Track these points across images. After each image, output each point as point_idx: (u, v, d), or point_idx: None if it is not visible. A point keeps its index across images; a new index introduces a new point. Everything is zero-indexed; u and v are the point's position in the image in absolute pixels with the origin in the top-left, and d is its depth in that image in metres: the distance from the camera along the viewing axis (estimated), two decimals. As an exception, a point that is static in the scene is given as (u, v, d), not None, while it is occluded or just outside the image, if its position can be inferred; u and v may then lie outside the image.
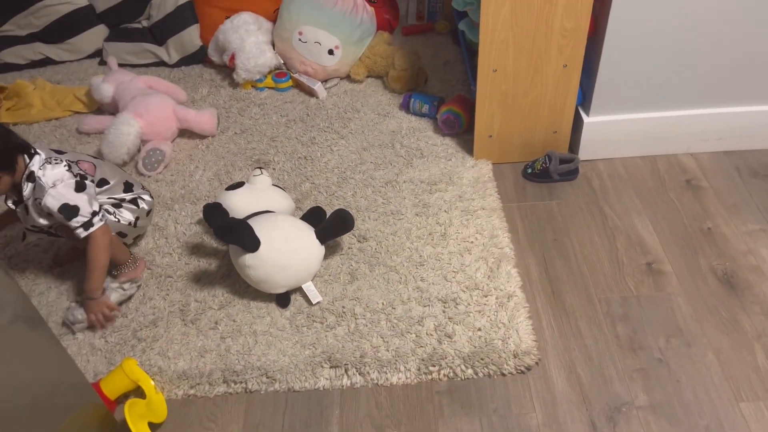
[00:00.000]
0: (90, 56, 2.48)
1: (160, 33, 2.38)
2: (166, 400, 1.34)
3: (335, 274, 1.58)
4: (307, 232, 1.51)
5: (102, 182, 1.51)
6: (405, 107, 2.10)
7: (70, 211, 1.38)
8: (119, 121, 1.89)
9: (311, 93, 2.20)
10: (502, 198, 1.77)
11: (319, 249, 1.52)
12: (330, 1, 2.12)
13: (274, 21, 2.28)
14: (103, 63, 2.43)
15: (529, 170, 1.83)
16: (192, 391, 1.37)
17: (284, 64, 2.24)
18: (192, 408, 1.34)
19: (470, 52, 2.05)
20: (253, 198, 1.60)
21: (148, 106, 1.95)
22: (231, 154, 1.98)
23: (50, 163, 1.39)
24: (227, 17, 2.28)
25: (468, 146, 1.92)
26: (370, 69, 2.24)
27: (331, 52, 2.16)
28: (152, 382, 1.35)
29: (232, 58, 2.20)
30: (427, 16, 2.52)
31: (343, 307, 1.50)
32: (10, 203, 1.45)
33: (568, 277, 1.55)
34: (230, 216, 1.57)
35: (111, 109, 2.10)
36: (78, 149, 2.04)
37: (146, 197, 1.62)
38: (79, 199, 1.39)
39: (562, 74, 1.70)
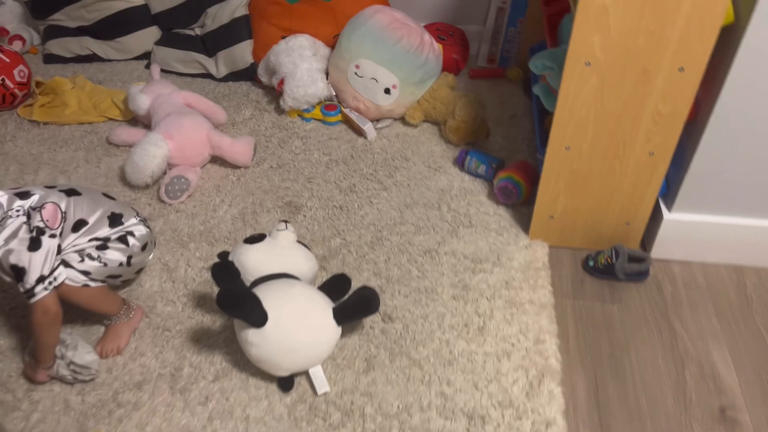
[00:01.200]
0: (138, 57, 2.36)
1: (212, 44, 2.23)
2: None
3: (350, 359, 1.38)
4: (324, 310, 1.30)
5: (79, 224, 1.32)
6: (460, 163, 1.88)
7: (18, 272, 1.21)
8: (147, 140, 1.74)
9: (360, 132, 2.00)
10: (555, 290, 1.53)
11: (335, 331, 1.31)
12: (394, 36, 1.92)
13: (332, 47, 2.10)
14: (149, 66, 2.30)
15: (591, 263, 1.58)
16: (163, 482, 1.19)
17: (336, 96, 2.05)
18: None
19: (542, 114, 1.82)
20: (272, 256, 1.41)
21: (181, 127, 1.79)
22: (262, 191, 1.80)
23: (9, 217, 1.22)
24: (283, 37, 2.11)
25: (524, 221, 1.69)
26: (428, 114, 2.03)
27: (387, 90, 1.96)
28: (121, 463, 1.17)
29: (281, 82, 2.03)
30: (500, 61, 2.29)
31: (353, 403, 1.29)
32: None
33: (621, 408, 1.30)
34: (241, 275, 1.39)
35: (146, 121, 1.96)
36: (105, 160, 1.90)
37: (138, 230, 1.41)
38: (29, 261, 1.21)
39: (647, 162, 1.45)
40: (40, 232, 1.23)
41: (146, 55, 2.34)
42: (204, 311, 1.47)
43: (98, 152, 1.94)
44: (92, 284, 1.33)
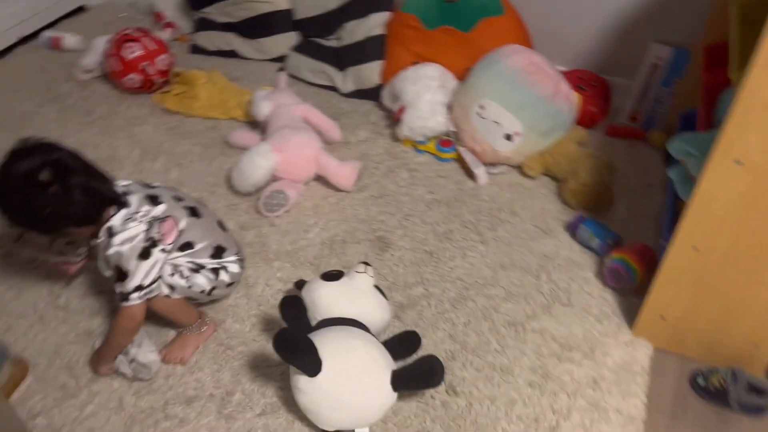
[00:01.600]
0: (274, 59, 2.40)
1: (344, 58, 2.21)
2: None
3: (402, 426, 1.28)
4: (383, 372, 1.22)
5: (186, 245, 1.34)
6: (572, 230, 1.71)
7: (119, 275, 1.25)
8: (257, 150, 1.74)
9: (471, 175, 1.89)
10: (650, 404, 1.33)
11: (390, 396, 1.22)
12: (527, 81, 1.78)
13: (461, 80, 2.00)
14: (281, 70, 2.33)
15: (702, 381, 1.36)
16: None
17: (454, 132, 1.95)
18: None
19: (678, 196, 1.61)
20: (345, 298, 1.34)
21: (292, 142, 1.78)
22: (357, 219, 1.75)
23: (134, 219, 1.26)
24: (414, 63, 2.04)
25: (630, 313, 1.49)
26: (548, 168, 1.87)
27: (509, 137, 1.83)
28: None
29: (401, 110, 1.96)
30: (644, 121, 2.06)
31: (393, 478, 1.20)
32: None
33: None
34: (310, 311, 1.34)
35: (264, 126, 1.97)
36: (218, 159, 1.94)
37: (232, 268, 1.42)
38: (135, 268, 1.24)
39: (793, 285, 1.22)
40: (153, 244, 1.27)
41: (282, 58, 2.38)
42: (268, 336, 1.44)
43: (214, 150, 1.99)
44: (174, 296, 1.34)
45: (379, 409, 1.23)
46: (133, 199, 1.29)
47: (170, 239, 1.31)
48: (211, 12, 2.44)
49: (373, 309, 1.36)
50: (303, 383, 1.19)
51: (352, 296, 1.35)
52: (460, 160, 1.94)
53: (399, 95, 1.99)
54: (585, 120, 2.03)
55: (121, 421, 1.28)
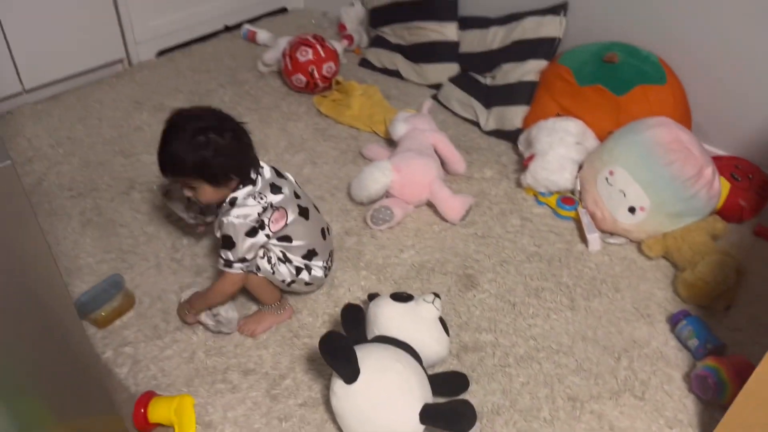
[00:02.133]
0: (431, 86, 2.50)
1: (492, 97, 2.25)
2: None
3: (423, 460, 1.29)
4: (414, 399, 1.24)
5: (284, 238, 1.47)
6: (672, 323, 1.58)
7: (227, 243, 1.39)
8: (378, 165, 1.85)
9: (584, 238, 1.83)
10: None
11: (414, 426, 1.24)
12: (666, 158, 1.68)
13: (602, 141, 1.93)
14: (434, 97, 2.43)
15: None
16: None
17: (579, 192, 1.90)
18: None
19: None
20: (405, 321, 1.39)
21: (411, 165, 1.86)
22: (452, 252, 1.78)
23: (254, 198, 1.41)
24: (558, 115, 2.02)
25: (708, 428, 1.35)
26: (669, 253, 1.75)
27: (632, 210, 1.74)
28: (193, 432, 1.31)
29: (531, 158, 1.95)
30: (803, 229, 1.84)
31: (396, 505, 1.22)
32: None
33: None
34: (370, 324, 1.40)
35: (396, 146, 2.08)
36: (348, 166, 2.07)
37: (316, 273, 1.53)
38: (241, 242, 1.38)
39: None
40: (261, 226, 1.42)
41: (438, 86, 2.47)
42: (334, 338, 1.53)
43: (348, 157, 2.13)
44: (259, 275, 1.49)
45: (402, 436, 1.26)
46: (260, 181, 1.44)
47: (276, 228, 1.45)
48: (387, 32, 2.61)
49: (429, 340, 1.39)
50: (338, 387, 1.26)
51: (412, 322, 1.39)
52: (578, 221, 1.88)
53: (533, 143, 1.98)
54: (732, 213, 1.85)
55: (188, 371, 1.44)
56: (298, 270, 1.51)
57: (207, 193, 1.41)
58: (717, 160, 1.93)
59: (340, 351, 1.24)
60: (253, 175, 1.44)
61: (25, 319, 0.97)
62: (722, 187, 1.83)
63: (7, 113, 2.22)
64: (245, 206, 1.41)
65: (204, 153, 1.35)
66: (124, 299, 1.56)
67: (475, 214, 1.91)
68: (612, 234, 1.84)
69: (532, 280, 1.71)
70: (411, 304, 1.42)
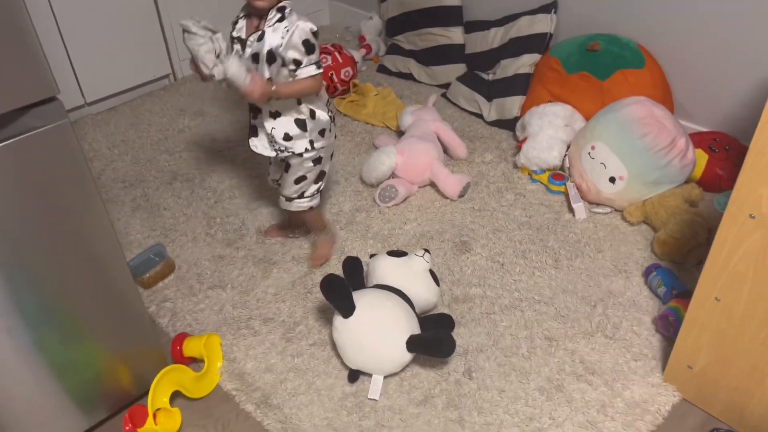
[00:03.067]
0: (440, 85, 2.74)
1: (493, 90, 2.47)
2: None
3: (413, 386, 1.50)
4: (401, 332, 1.46)
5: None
6: (645, 275, 1.75)
7: (310, 47, 1.46)
8: (383, 150, 2.09)
9: (572, 209, 2.01)
10: (652, 444, 1.37)
11: (402, 354, 1.46)
12: (640, 131, 1.86)
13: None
14: (444, 97, 2.66)
15: (713, 439, 1.35)
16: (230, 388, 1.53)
17: (568, 168, 2.09)
18: (217, 405, 1.51)
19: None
20: (398, 272, 1.61)
21: (413, 148, 2.09)
22: (450, 224, 1.99)
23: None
24: (549, 101, 2.22)
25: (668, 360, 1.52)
26: (648, 217, 1.91)
27: (612, 180, 1.92)
28: (220, 365, 1.56)
29: (524, 140, 2.16)
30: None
31: (389, 420, 1.43)
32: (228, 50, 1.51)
33: None
34: (369, 275, 1.63)
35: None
36: (362, 156, 2.30)
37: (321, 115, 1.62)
38: (316, 44, 1.48)
39: (812, 357, 1.19)
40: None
41: (447, 85, 2.71)
42: (342, 293, 1.76)
43: (363, 148, 2.38)
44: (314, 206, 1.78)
45: (392, 362, 1.47)
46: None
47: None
48: (401, 39, 2.87)
49: (419, 288, 1.61)
50: (337, 322, 1.49)
51: (405, 273, 1.62)
52: (567, 195, 2.06)
53: (526, 127, 2.19)
54: (711, 182, 2.01)
55: (217, 320, 1.70)
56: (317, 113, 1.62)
57: None
58: (697, 135, 2.10)
59: (337, 289, 1.48)
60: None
61: (89, 277, 1.26)
62: (699, 158, 2.00)
63: (72, 123, 2.57)
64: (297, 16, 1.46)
65: None
66: (165, 265, 1.84)
67: (473, 192, 2.12)
68: (598, 204, 2.02)
69: (521, 244, 1.91)
70: (405, 258, 1.65)
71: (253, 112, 1.64)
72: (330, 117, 1.66)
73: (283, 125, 1.60)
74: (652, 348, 1.57)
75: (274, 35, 1.47)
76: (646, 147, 1.86)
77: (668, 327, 1.56)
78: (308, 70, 1.51)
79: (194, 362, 1.60)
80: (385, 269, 1.63)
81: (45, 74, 1.05)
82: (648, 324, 1.64)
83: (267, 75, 1.51)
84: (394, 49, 2.90)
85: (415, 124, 2.26)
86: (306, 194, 1.73)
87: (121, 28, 2.54)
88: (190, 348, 1.57)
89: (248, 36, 1.51)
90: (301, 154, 1.63)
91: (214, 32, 1.48)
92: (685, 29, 2.09)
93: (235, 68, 1.45)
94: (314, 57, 1.51)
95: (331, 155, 1.75)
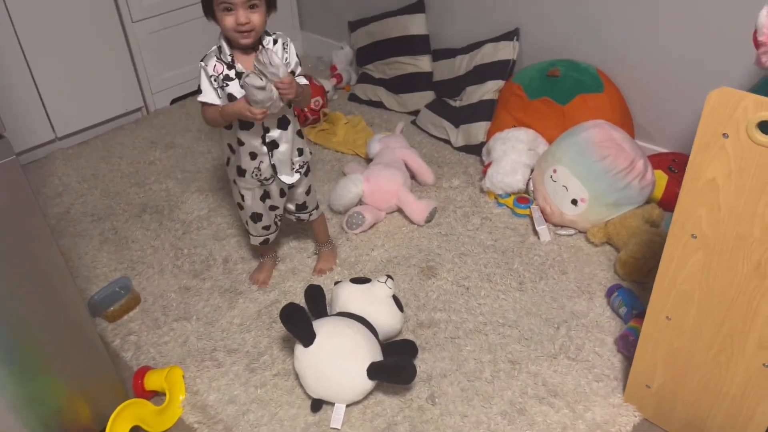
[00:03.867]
0: (410, 113, 2.78)
1: (459, 116, 2.50)
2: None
3: (376, 414, 1.50)
4: (362, 359, 1.46)
5: None
6: (607, 296, 1.77)
7: (298, 59, 1.59)
8: (350, 178, 2.11)
9: (537, 232, 2.03)
10: (613, 465, 1.37)
11: (364, 382, 1.46)
12: (599, 153, 1.90)
13: (553, 147, 2.16)
14: (414, 124, 2.69)
15: (672, 457, 1.36)
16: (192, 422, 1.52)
17: (533, 191, 2.12)
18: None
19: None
20: (361, 299, 1.62)
21: (379, 176, 2.12)
22: (417, 249, 2.01)
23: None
24: (513, 126, 2.26)
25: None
26: (610, 238, 1.94)
27: (575, 202, 1.95)
28: (182, 398, 1.55)
29: (488, 165, 2.19)
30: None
31: (349, 450, 1.43)
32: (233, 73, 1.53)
33: None
34: (333, 303, 1.64)
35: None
36: (330, 183, 2.32)
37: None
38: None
39: (760, 374, 1.20)
40: None
41: (416, 112, 2.75)
42: (307, 321, 1.76)
43: (332, 176, 2.40)
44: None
45: (353, 391, 1.47)
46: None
47: None
48: (371, 68, 2.91)
49: (381, 315, 1.61)
50: (298, 351, 1.49)
51: (367, 300, 1.62)
52: (531, 218, 2.09)
53: (491, 152, 2.23)
54: (671, 202, 2.03)
55: (182, 352, 1.70)
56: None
57: (263, 16, 1.47)
58: (656, 156, 2.14)
59: (296, 319, 1.48)
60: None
61: (44, 313, 1.26)
62: (659, 178, 2.03)
63: (43, 158, 2.58)
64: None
65: None
66: (130, 298, 1.83)
67: (440, 217, 2.14)
68: (562, 226, 2.05)
69: (486, 268, 1.92)
70: (367, 285, 1.66)
71: (271, 150, 1.64)
72: None
73: (294, 143, 1.67)
74: (613, 368, 1.58)
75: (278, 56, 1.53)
76: (605, 169, 1.90)
77: (629, 347, 1.57)
78: (302, 78, 1.58)
79: (157, 396, 1.59)
80: (347, 296, 1.63)
81: (-10, 113, 1.06)
82: (610, 344, 1.65)
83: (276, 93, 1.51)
84: (364, 78, 2.94)
85: (382, 151, 2.29)
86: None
87: (91, 63, 2.57)
88: (151, 381, 1.56)
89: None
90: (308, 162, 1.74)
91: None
92: (641, 54, 2.15)
93: (277, 59, 1.43)
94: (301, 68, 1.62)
95: None
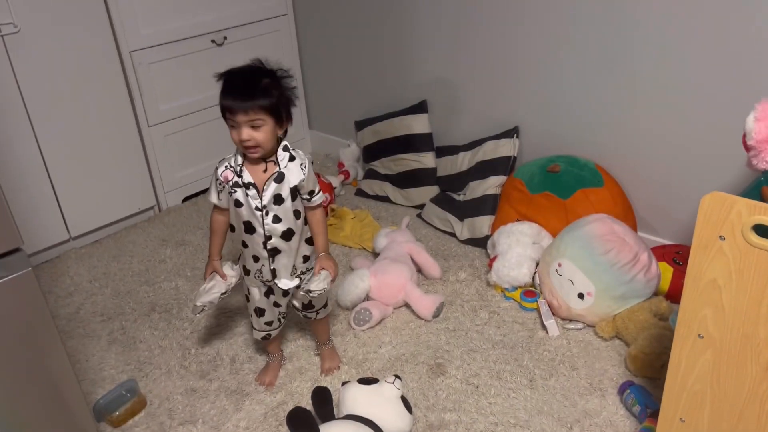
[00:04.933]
0: (416, 206, 2.84)
1: (464, 210, 2.56)
2: None
3: None
4: (371, 467, 1.43)
5: None
6: (620, 393, 1.74)
7: (315, 182, 1.64)
8: (357, 273, 2.14)
9: (545, 326, 2.02)
10: None
11: (372, 490, 1.42)
12: (603, 247, 1.92)
13: (557, 240, 2.19)
14: (419, 217, 2.75)
15: None
16: None
17: (539, 285, 2.13)
18: None
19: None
20: (369, 401, 1.60)
21: (386, 271, 2.14)
22: (425, 345, 1.99)
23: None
24: (517, 220, 2.30)
25: (649, 485, 1.47)
26: (620, 332, 1.93)
27: (581, 296, 1.96)
28: None
29: (494, 258, 2.21)
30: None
31: None
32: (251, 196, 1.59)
33: None
34: (339, 405, 1.62)
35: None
36: (340, 277, 2.35)
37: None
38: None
39: (781, 479, 1.16)
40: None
41: (421, 206, 2.81)
42: (314, 424, 1.73)
43: (340, 270, 2.38)
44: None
45: (361, 500, 1.43)
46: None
47: None
48: (377, 165, 3.01)
49: (390, 417, 1.59)
50: (304, 456, 1.46)
51: (375, 402, 1.60)
52: (539, 311, 2.08)
53: (496, 246, 2.25)
54: (678, 294, 2.01)
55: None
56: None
57: (268, 133, 1.50)
58: (660, 248, 2.16)
59: (303, 423, 1.46)
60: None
61: (47, 419, 1.26)
62: (665, 271, 2.04)
63: (56, 257, 2.63)
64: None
65: (281, 88, 1.52)
66: (136, 401, 1.81)
67: (448, 311, 2.14)
68: (570, 320, 2.04)
69: (495, 364, 1.90)
70: (375, 385, 1.64)
71: (272, 257, 1.68)
72: None
73: (300, 251, 1.72)
74: (630, 472, 1.53)
75: (293, 173, 1.59)
76: (610, 263, 1.91)
77: (645, 449, 1.53)
78: (320, 197, 1.67)
79: (160, 506, 1.54)
80: (355, 398, 1.61)
81: (10, 227, 1.10)
82: (625, 446, 1.61)
83: (292, 208, 1.62)
84: (370, 174, 3.03)
85: (389, 246, 2.32)
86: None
87: (106, 163, 2.67)
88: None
89: (265, 180, 1.57)
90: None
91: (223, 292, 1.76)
92: (640, 149, 2.22)
93: (322, 285, 1.69)
94: (319, 193, 1.68)
95: None
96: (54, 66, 2.41)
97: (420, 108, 2.81)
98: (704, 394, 1.22)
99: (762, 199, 1.33)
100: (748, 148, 1.30)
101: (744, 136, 1.30)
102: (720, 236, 1.08)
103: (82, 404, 1.31)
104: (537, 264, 2.17)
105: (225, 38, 2.91)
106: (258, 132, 1.50)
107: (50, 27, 2.36)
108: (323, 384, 1.71)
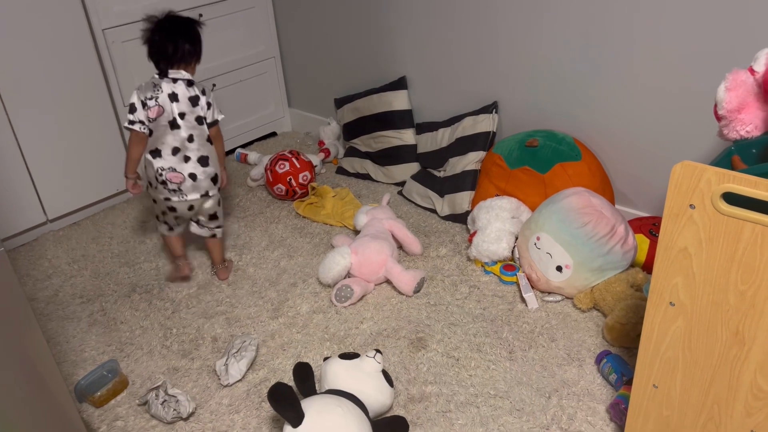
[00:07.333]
0: (396, 183, 2.84)
1: (444, 186, 2.56)
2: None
3: (368, 496, 1.47)
4: (353, 438, 1.45)
5: None
6: (597, 363, 1.77)
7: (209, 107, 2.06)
8: (338, 250, 2.14)
9: (524, 299, 2.05)
10: None
11: (354, 462, 1.44)
12: (580, 220, 1.94)
13: (536, 214, 2.21)
14: (400, 194, 2.75)
15: None
16: None
17: (518, 258, 2.15)
18: None
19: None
20: (350, 375, 1.61)
21: (367, 247, 2.14)
22: (406, 320, 2.01)
23: None
24: (496, 195, 2.31)
25: (625, 451, 1.51)
26: (597, 303, 1.96)
27: (559, 268, 1.98)
28: None
29: (474, 234, 2.22)
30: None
31: None
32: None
33: None
34: (321, 380, 1.63)
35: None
36: (320, 257, 2.35)
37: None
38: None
39: (750, 441, 1.19)
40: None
41: (402, 183, 2.81)
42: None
43: (320, 249, 2.43)
44: None
45: (344, 471, 1.44)
46: None
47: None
48: (357, 143, 3.00)
49: (371, 390, 1.60)
50: (286, 430, 1.47)
51: (356, 376, 1.62)
52: (518, 285, 2.11)
53: (476, 221, 2.27)
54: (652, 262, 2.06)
55: None
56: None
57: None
58: (637, 220, 2.19)
59: (284, 398, 1.47)
60: None
61: (26, 402, 1.25)
62: (641, 242, 2.07)
63: (34, 240, 2.60)
64: None
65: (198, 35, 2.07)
66: (118, 381, 1.81)
67: (429, 287, 2.16)
68: (549, 293, 2.07)
69: (475, 338, 1.92)
70: (356, 360, 1.65)
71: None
72: None
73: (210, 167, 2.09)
74: (606, 438, 1.57)
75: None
76: (587, 235, 1.94)
77: (620, 415, 1.56)
78: (215, 115, 2.10)
79: (143, 484, 1.55)
80: (336, 373, 1.62)
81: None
82: (602, 413, 1.64)
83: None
84: (351, 152, 3.02)
85: (369, 223, 2.32)
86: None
87: (82, 144, 2.63)
88: None
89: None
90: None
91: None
92: (617, 121, 2.23)
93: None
94: (216, 111, 2.12)
95: None
96: (25, 46, 2.36)
97: (399, 84, 2.80)
98: (676, 361, 1.24)
99: (732, 168, 1.34)
100: (719, 118, 1.31)
101: (715, 106, 1.31)
102: (690, 205, 1.10)
103: (61, 385, 1.30)
104: (516, 238, 2.19)
105: (200, 15, 2.85)
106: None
107: (19, 6, 2.30)
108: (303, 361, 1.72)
